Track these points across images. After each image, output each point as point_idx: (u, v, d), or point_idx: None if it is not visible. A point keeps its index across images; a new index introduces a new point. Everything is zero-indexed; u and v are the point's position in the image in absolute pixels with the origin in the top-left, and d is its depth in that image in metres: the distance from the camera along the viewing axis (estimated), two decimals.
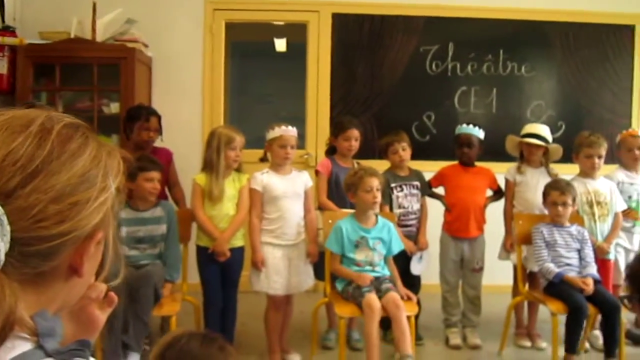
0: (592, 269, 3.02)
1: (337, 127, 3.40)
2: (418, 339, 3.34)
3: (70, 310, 0.81)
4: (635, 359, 3.21)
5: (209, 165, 3.03)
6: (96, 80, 3.82)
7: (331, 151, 3.46)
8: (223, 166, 3.00)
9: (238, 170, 3.14)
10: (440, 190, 3.64)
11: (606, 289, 3.00)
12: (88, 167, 0.63)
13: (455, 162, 3.59)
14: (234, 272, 3.12)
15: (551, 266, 3.01)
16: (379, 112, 4.60)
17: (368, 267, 2.95)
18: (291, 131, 3.10)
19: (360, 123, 4.32)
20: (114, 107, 3.90)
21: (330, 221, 3.12)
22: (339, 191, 3.29)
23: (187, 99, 4.40)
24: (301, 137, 4.46)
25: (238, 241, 3.13)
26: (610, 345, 2.85)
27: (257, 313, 3.23)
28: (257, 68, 5.73)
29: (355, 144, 3.36)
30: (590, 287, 2.87)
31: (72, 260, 0.64)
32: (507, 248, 3.47)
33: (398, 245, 3.04)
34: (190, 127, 4.31)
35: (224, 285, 3.11)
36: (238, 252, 3.12)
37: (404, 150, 3.40)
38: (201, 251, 3.09)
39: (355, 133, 3.35)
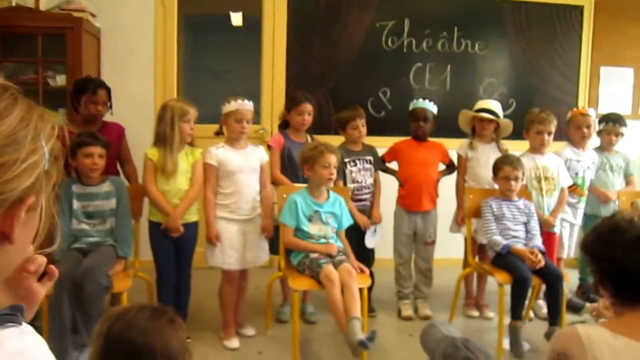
0: (538, 241, 3.14)
1: (291, 101, 3.37)
2: (371, 311, 3.42)
3: (8, 284, 0.78)
4: None
5: (162, 139, 2.97)
6: (40, 51, 3.65)
7: (284, 126, 3.44)
8: (177, 140, 2.95)
9: (191, 144, 3.09)
10: (393, 165, 3.69)
11: (550, 261, 3.11)
12: (15, 128, 0.61)
13: (408, 137, 3.64)
14: (187, 248, 3.09)
15: (499, 238, 3.11)
16: (335, 87, 4.59)
17: (323, 240, 2.97)
18: (247, 105, 3.07)
19: (316, 99, 4.31)
20: (60, 80, 3.74)
21: (284, 195, 3.12)
22: (292, 166, 3.29)
23: (138, 73, 4.27)
24: (257, 112, 4.43)
25: (192, 216, 3.10)
26: (554, 314, 2.97)
27: (212, 289, 3.22)
28: (213, 42, 5.60)
29: (308, 119, 3.35)
30: (539, 258, 2.97)
31: (1, 225, 0.62)
32: (458, 222, 3.56)
33: (348, 219, 3.08)
34: (141, 103, 4.18)
35: (177, 261, 3.07)
36: (192, 227, 3.08)
37: (363, 126, 3.43)
38: (154, 227, 3.04)
39: (308, 107, 3.34)
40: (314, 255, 2.87)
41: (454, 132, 3.76)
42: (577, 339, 1.35)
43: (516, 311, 2.95)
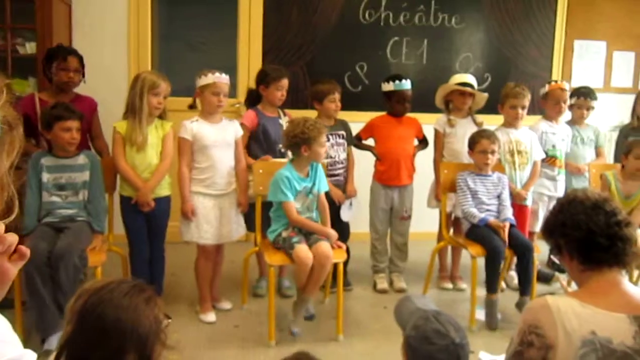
0: (508, 212, 3.19)
1: (269, 76, 3.28)
2: (346, 284, 3.46)
3: None
4: None
5: (131, 111, 2.92)
6: (9, 17, 3.54)
7: (255, 101, 3.38)
8: (146, 112, 2.89)
9: (161, 117, 3.04)
10: (369, 142, 3.68)
11: (521, 233, 3.17)
12: None
13: (384, 113, 3.62)
14: (160, 223, 3.07)
15: (475, 211, 3.16)
16: (312, 61, 4.54)
17: (307, 214, 2.96)
18: (224, 78, 3.02)
19: (292, 72, 4.28)
20: (30, 48, 3.63)
21: (260, 171, 3.11)
22: (268, 141, 3.26)
23: (110, 43, 4.17)
24: (232, 85, 4.37)
25: (163, 190, 3.06)
26: (525, 285, 3.05)
27: (188, 263, 3.22)
28: (188, 13, 5.48)
29: (285, 94, 3.32)
30: (505, 232, 3.04)
31: None
32: (437, 197, 3.58)
33: (324, 185, 3.04)
34: (114, 74, 4.09)
35: (150, 235, 3.05)
36: (164, 201, 3.06)
37: (339, 101, 3.41)
38: (125, 201, 3.01)
39: (286, 83, 3.30)
40: (286, 234, 2.86)
41: (431, 107, 3.76)
42: (546, 310, 1.40)
43: (491, 285, 3.02)
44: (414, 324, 1.53)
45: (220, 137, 3.03)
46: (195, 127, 2.99)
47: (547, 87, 3.70)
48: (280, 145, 3.25)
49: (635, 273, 3.73)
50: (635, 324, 1.37)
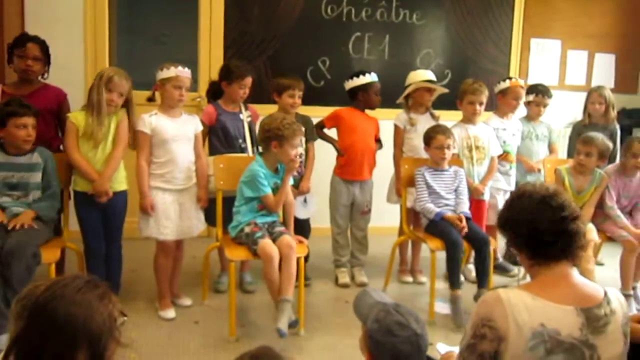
0: (465, 207, 3.26)
1: (233, 74, 3.24)
2: (306, 279, 3.47)
3: None
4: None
5: (90, 105, 2.85)
6: None
7: (215, 95, 3.34)
8: (103, 107, 2.82)
9: (128, 112, 2.97)
10: (332, 133, 3.68)
11: (478, 226, 3.24)
12: None
13: (350, 107, 3.63)
14: (116, 218, 3.00)
15: (431, 206, 3.21)
16: (274, 55, 4.52)
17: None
18: (186, 72, 2.98)
19: (254, 66, 4.24)
20: None
21: (221, 165, 3.08)
22: (227, 137, 3.24)
23: (65, 36, 4.04)
24: (194, 79, 4.30)
25: (120, 185, 2.99)
26: (481, 277, 3.12)
27: (147, 259, 3.17)
28: (148, 6, 5.37)
29: (247, 92, 3.29)
30: (464, 224, 3.10)
31: None
32: (398, 193, 3.60)
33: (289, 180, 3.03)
34: (70, 68, 3.96)
35: (106, 231, 2.98)
36: (120, 196, 2.98)
37: (299, 98, 3.39)
38: (79, 196, 2.93)
39: (250, 81, 3.27)
40: (248, 230, 2.85)
41: (393, 102, 3.80)
42: (499, 303, 1.43)
43: (454, 280, 3.06)
44: (375, 317, 1.55)
45: (180, 131, 2.99)
46: (154, 120, 2.94)
47: (508, 83, 3.76)
48: (241, 140, 3.23)
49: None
50: (582, 316, 1.42)
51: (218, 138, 3.25)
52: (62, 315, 1.14)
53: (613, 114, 4.01)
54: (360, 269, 3.68)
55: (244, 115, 3.30)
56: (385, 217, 3.89)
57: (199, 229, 3.14)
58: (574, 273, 1.52)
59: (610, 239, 3.46)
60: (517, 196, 1.60)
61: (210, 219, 3.16)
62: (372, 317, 1.55)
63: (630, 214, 3.50)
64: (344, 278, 3.60)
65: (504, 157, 3.70)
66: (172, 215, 2.98)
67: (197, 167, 3.07)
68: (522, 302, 1.43)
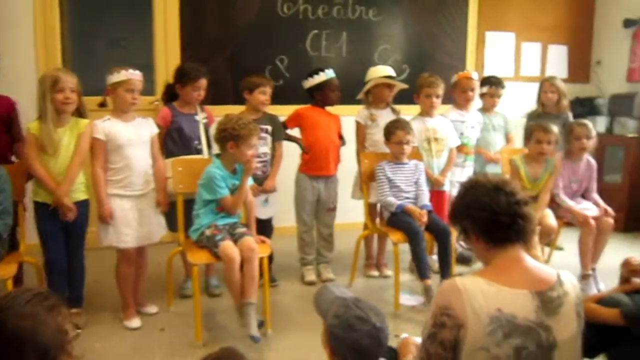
0: (425, 199, 3.30)
1: (186, 76, 3.21)
2: (272, 280, 3.46)
3: None
4: None
5: (40, 113, 2.77)
6: None
7: (170, 98, 3.30)
8: (52, 112, 2.74)
9: (81, 115, 2.90)
10: (295, 132, 3.68)
11: (439, 218, 3.27)
12: None
13: (310, 105, 3.63)
14: (78, 228, 2.92)
15: (392, 200, 3.24)
16: (232, 55, 4.49)
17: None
18: (137, 75, 2.92)
19: (212, 67, 4.19)
20: None
21: (180, 169, 3.04)
22: (183, 139, 3.20)
23: (15, 41, 3.92)
24: (151, 83, 4.24)
25: (80, 194, 2.92)
26: (444, 267, 3.16)
27: (110, 269, 3.09)
28: (101, 9, 5.26)
29: (203, 93, 3.26)
30: (425, 219, 3.14)
31: None
32: (362, 189, 3.62)
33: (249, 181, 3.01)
34: (22, 74, 3.84)
35: (68, 242, 2.91)
36: (81, 206, 2.90)
37: (270, 95, 3.39)
38: (40, 208, 2.84)
39: (205, 83, 3.24)
40: (209, 232, 2.81)
41: (352, 99, 3.81)
42: (456, 291, 1.45)
43: (422, 270, 3.08)
44: (335, 312, 1.55)
45: (135, 135, 2.93)
46: (108, 126, 2.88)
47: (455, 77, 3.84)
48: (197, 142, 3.19)
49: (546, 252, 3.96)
50: (537, 299, 1.45)
51: (173, 140, 3.21)
52: (10, 328, 1.12)
53: (565, 102, 4.12)
54: (326, 266, 3.69)
55: (200, 117, 3.27)
56: (350, 213, 3.91)
57: (160, 234, 3.09)
58: (527, 257, 1.55)
59: (567, 224, 3.55)
60: (471, 186, 1.64)
61: (170, 223, 3.11)
62: (332, 312, 1.55)
63: (583, 197, 3.62)
64: (310, 276, 3.60)
65: (459, 149, 3.76)
66: (132, 222, 2.92)
67: (154, 170, 3.02)
68: (478, 288, 1.45)
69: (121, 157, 2.90)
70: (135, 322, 2.96)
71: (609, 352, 2.18)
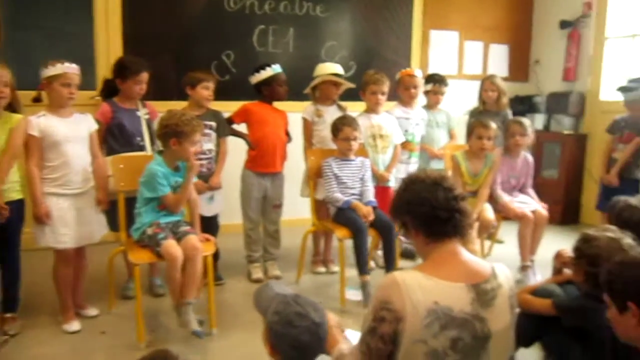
0: (370, 195, 3.33)
1: (127, 70, 3.13)
2: (218, 279, 3.43)
3: None
4: None
5: None
6: None
7: (109, 93, 3.21)
8: None
9: (15, 111, 2.76)
10: (242, 127, 3.64)
11: (384, 213, 3.29)
12: None
13: (257, 101, 3.60)
14: (12, 229, 2.78)
15: (338, 195, 3.27)
16: (177, 50, 4.41)
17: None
18: (74, 68, 2.81)
19: (156, 62, 4.10)
20: None
21: (121, 166, 2.95)
22: (124, 135, 3.12)
23: None
24: (92, 77, 4.10)
25: (15, 194, 2.78)
26: (389, 262, 3.21)
27: (48, 270, 2.97)
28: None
29: (145, 87, 3.18)
30: (371, 216, 3.18)
31: None
32: (309, 184, 3.63)
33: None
34: None
35: (2, 243, 2.77)
36: (16, 206, 2.77)
37: (213, 91, 3.35)
38: None
39: (146, 76, 3.16)
40: (151, 231, 2.75)
41: (298, 95, 3.81)
42: (395, 286, 1.47)
43: (361, 266, 3.13)
44: (275, 309, 1.55)
45: (73, 131, 2.82)
46: (43, 122, 2.75)
47: (398, 74, 3.90)
48: (139, 139, 3.11)
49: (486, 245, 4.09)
50: (473, 291, 1.49)
51: (114, 137, 3.12)
52: None
53: (505, 100, 4.26)
54: (273, 263, 3.68)
55: (142, 113, 3.19)
56: (297, 209, 3.91)
57: (101, 234, 2.99)
58: (464, 251, 1.59)
59: (506, 218, 3.67)
60: (411, 182, 1.67)
61: (111, 222, 3.02)
62: (272, 309, 1.54)
63: (520, 192, 3.76)
64: (257, 273, 3.59)
65: (404, 145, 3.82)
66: (70, 221, 2.82)
67: (94, 168, 2.92)
68: (416, 282, 1.48)
69: (58, 154, 2.79)
70: (75, 326, 2.87)
71: (542, 341, 2.28)
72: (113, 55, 4.12)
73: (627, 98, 3.92)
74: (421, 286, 1.47)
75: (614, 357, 1.51)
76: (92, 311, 3.04)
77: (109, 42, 4.23)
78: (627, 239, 1.97)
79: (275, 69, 3.55)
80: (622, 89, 3.97)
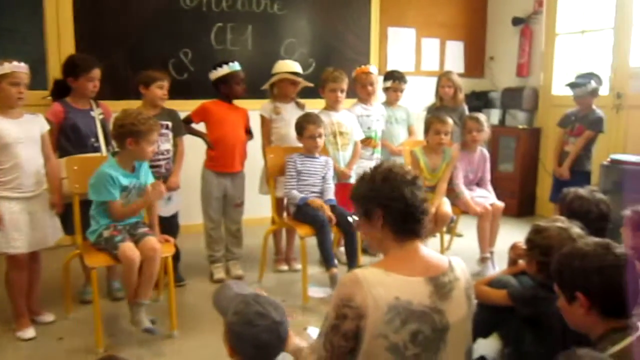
0: (330, 193, 3.35)
1: (78, 67, 3.04)
2: (179, 280, 3.39)
3: None
4: None
5: None
6: None
7: (61, 93, 3.12)
8: None
9: None
10: (201, 127, 3.60)
11: (345, 210, 3.31)
12: None
13: (215, 99, 3.57)
14: None
15: (295, 193, 3.28)
16: (132, 48, 4.32)
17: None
18: (22, 67, 2.72)
19: (111, 61, 4.03)
20: None
21: (75, 167, 2.88)
22: (77, 136, 3.04)
23: None
24: (43, 77, 3.98)
25: None
26: (351, 258, 3.22)
27: (1, 276, 2.88)
28: None
29: (98, 85, 3.10)
30: (329, 212, 3.20)
31: None
32: (269, 183, 3.61)
33: (150, 180, 2.88)
34: None
35: None
36: None
37: (167, 90, 3.29)
38: None
39: (98, 73, 3.09)
40: (107, 234, 2.70)
41: (258, 93, 3.78)
42: (357, 283, 1.47)
43: (328, 259, 3.13)
44: (235, 309, 1.54)
45: (24, 133, 2.73)
46: None
47: (354, 72, 3.92)
48: (93, 139, 3.04)
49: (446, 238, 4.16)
50: (431, 285, 1.52)
51: (68, 138, 3.04)
52: None
53: (461, 96, 4.35)
54: (235, 263, 3.65)
55: (96, 113, 3.12)
56: (259, 208, 3.89)
57: (56, 238, 2.92)
58: (422, 247, 1.61)
59: (465, 212, 3.75)
60: (389, 174, 1.60)
61: (66, 226, 2.94)
62: (231, 310, 1.54)
63: (478, 185, 3.85)
64: (220, 273, 3.55)
65: (367, 142, 3.85)
66: (23, 225, 2.73)
67: (47, 170, 2.84)
68: (377, 279, 1.49)
69: (9, 156, 2.69)
70: (30, 332, 2.78)
71: (499, 331, 2.34)
72: (64, 54, 3.99)
73: (576, 93, 4.05)
74: (382, 282, 1.48)
75: (564, 344, 1.56)
76: (48, 317, 2.96)
77: (60, 40, 4.12)
78: (576, 228, 2.04)
79: (233, 66, 3.52)
80: (571, 85, 4.09)
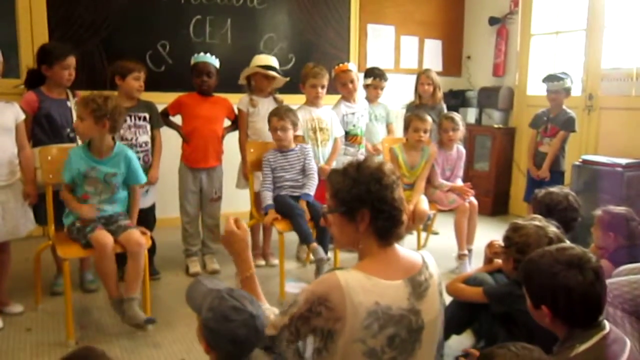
0: (310, 187, 3.31)
1: (52, 55, 2.97)
2: (154, 273, 3.36)
3: None
4: (348, 263, 3.73)
5: None
6: None
7: (35, 82, 3.04)
8: None
9: None
10: (177, 119, 3.56)
11: (318, 203, 3.25)
12: None
13: (193, 92, 3.53)
14: None
15: (266, 193, 3.25)
16: (108, 38, 4.25)
17: (95, 200, 2.73)
18: None
19: (86, 50, 3.96)
20: None
21: (49, 158, 2.82)
22: (52, 126, 2.98)
23: None
24: (15, 65, 3.89)
25: None
26: (323, 249, 3.20)
27: None
28: None
29: (74, 73, 3.03)
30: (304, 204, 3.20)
31: None
32: (246, 177, 3.58)
33: (138, 176, 2.83)
34: None
35: None
36: None
37: (143, 81, 3.23)
38: None
39: (74, 61, 3.02)
40: (79, 224, 2.65)
41: (237, 86, 3.76)
42: (337, 286, 1.42)
43: (304, 237, 3.09)
44: (209, 305, 1.50)
45: None
46: None
47: (333, 71, 3.91)
48: (69, 130, 2.98)
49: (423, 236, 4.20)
50: (409, 286, 1.48)
51: (42, 128, 2.97)
52: None
53: (439, 94, 4.38)
54: (211, 257, 3.63)
55: (72, 103, 3.05)
56: (238, 202, 3.87)
57: (28, 229, 2.85)
58: (400, 248, 1.57)
59: (441, 209, 3.79)
60: (381, 174, 1.54)
61: (39, 217, 2.88)
62: (206, 305, 1.51)
63: (448, 180, 3.89)
64: (195, 267, 3.53)
65: (352, 139, 3.85)
66: None
67: (20, 160, 2.78)
68: (358, 283, 1.44)
69: None
70: None
71: (473, 327, 2.37)
72: (37, 41, 3.93)
73: (551, 87, 4.04)
74: (363, 287, 1.43)
75: (536, 340, 1.58)
76: (16, 308, 2.90)
77: (32, 27, 4.02)
78: (552, 228, 2.07)
79: (197, 58, 3.47)
80: (548, 78, 4.07)
